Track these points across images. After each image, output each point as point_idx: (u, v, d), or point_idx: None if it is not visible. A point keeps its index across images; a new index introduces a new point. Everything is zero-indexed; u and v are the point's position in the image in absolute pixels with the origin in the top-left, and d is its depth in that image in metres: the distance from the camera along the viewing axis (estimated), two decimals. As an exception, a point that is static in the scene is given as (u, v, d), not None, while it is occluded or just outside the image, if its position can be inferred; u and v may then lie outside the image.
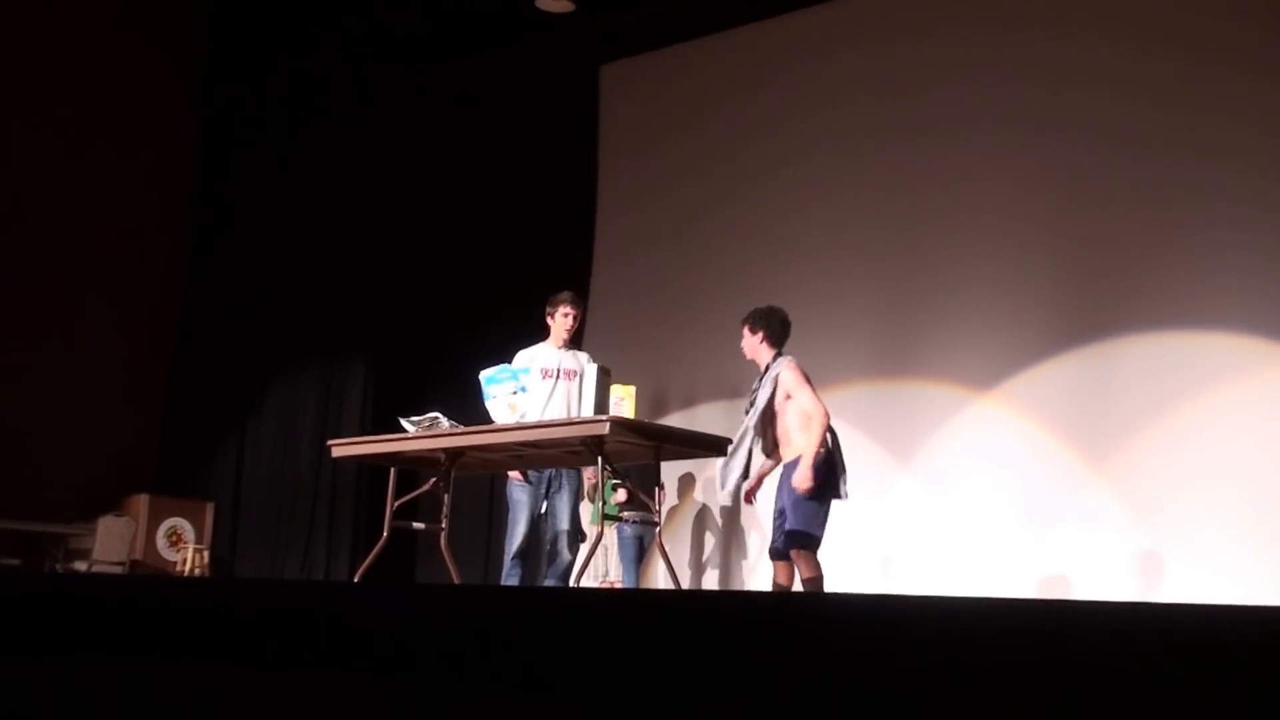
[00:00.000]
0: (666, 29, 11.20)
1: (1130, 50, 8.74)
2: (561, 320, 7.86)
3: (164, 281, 11.56)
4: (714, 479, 10.03)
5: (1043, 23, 9.18)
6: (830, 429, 6.87)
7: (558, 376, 7.71)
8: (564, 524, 7.71)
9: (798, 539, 6.69)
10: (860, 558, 8.98)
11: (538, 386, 7.64)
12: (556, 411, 7.54)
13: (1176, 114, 8.48)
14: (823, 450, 6.76)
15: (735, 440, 7.00)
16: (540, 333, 8.00)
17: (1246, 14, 8.37)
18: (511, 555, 7.68)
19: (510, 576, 7.69)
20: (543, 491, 7.76)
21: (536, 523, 7.75)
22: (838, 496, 6.81)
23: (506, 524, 7.86)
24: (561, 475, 7.77)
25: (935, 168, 9.49)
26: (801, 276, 9.58)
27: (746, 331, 7.17)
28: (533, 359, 7.80)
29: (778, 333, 7.11)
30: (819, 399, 6.83)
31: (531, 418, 7.20)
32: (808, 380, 6.92)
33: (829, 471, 6.78)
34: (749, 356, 7.22)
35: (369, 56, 12.01)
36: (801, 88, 10.40)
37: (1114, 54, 8.80)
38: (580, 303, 8.01)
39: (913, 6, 9.89)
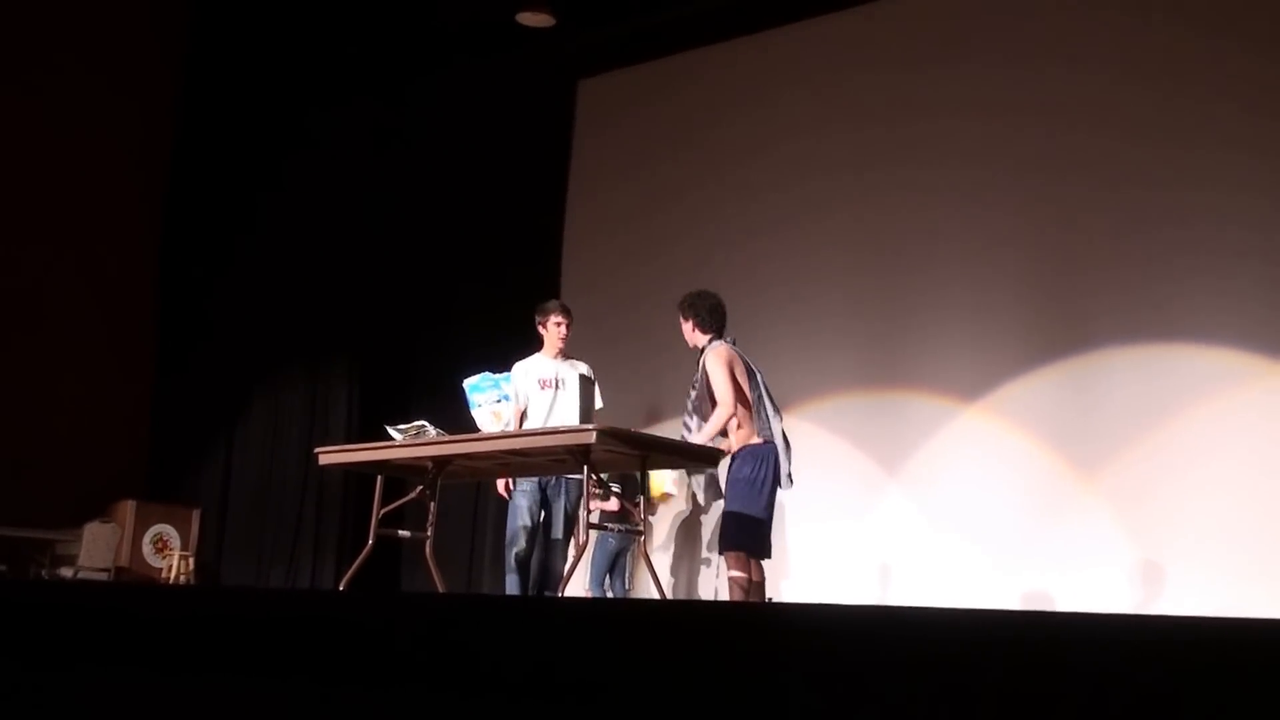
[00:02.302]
0: (646, 45, 11.24)
1: (1106, 77, 8.82)
2: (554, 330, 7.85)
3: (151, 288, 11.57)
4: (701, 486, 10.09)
5: (1018, 52, 9.25)
6: (774, 414, 6.98)
7: (557, 387, 7.69)
8: (557, 533, 7.71)
9: (726, 541, 6.84)
10: (849, 568, 9.02)
11: (537, 397, 7.64)
12: (560, 421, 7.49)
13: (1151, 138, 8.59)
14: (762, 440, 6.86)
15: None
16: (526, 341, 8.01)
17: (1219, 38, 8.45)
18: (510, 562, 7.67)
19: (510, 586, 7.67)
20: (542, 499, 7.75)
21: (535, 529, 7.73)
22: (780, 485, 6.91)
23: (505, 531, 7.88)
24: (562, 484, 7.73)
25: (917, 189, 9.54)
26: (780, 295, 9.60)
27: (681, 319, 7.26)
28: (529, 371, 7.79)
29: (705, 318, 7.16)
30: (733, 388, 6.86)
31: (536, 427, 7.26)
32: (728, 366, 6.93)
33: (771, 462, 6.85)
34: (689, 344, 7.28)
35: (348, 68, 12.04)
36: (780, 110, 10.44)
37: (1090, 82, 8.88)
38: (569, 312, 8.01)
39: (893, 34, 9.92)
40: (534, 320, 8.04)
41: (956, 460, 9.02)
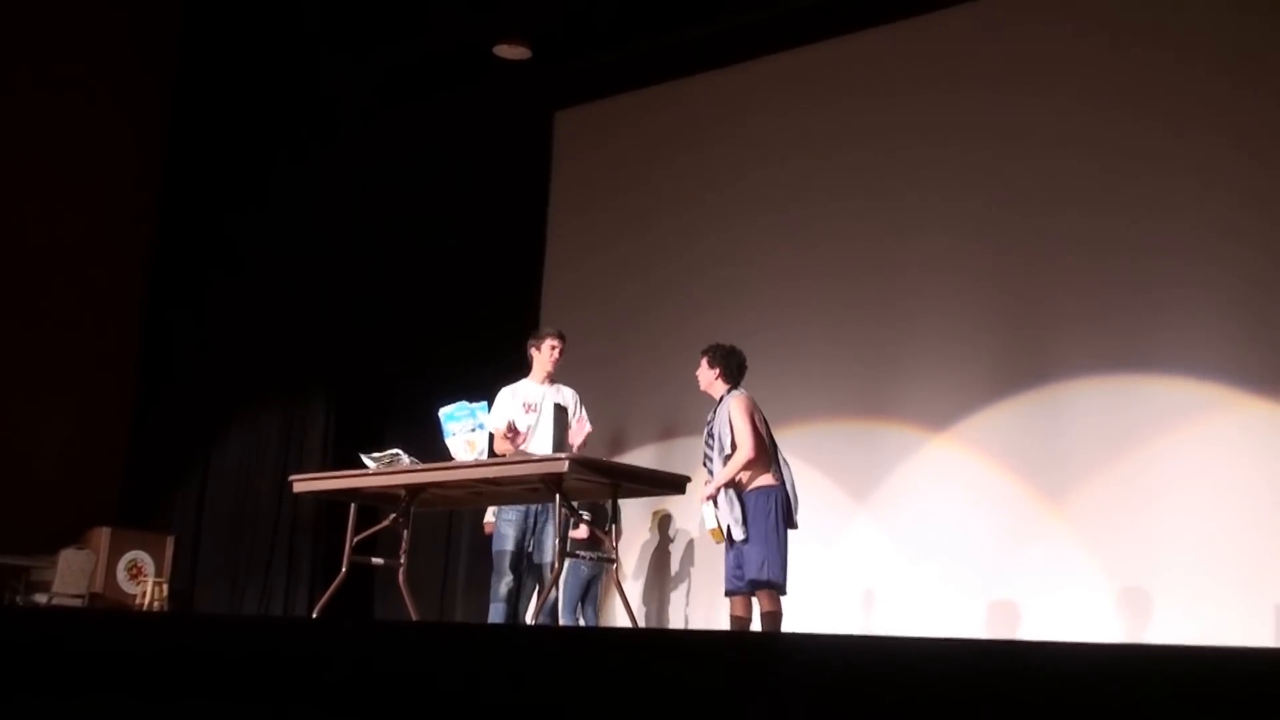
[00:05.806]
0: (622, 77, 11.35)
1: (1082, 108, 8.90)
2: (549, 353, 7.86)
3: (129, 315, 11.56)
4: (687, 515, 10.09)
5: (994, 82, 9.35)
6: (784, 461, 7.18)
7: (540, 411, 7.68)
8: (549, 556, 7.66)
9: (759, 584, 6.86)
10: (817, 596, 9.02)
11: (522, 420, 7.64)
12: (542, 445, 7.44)
13: (1123, 170, 8.68)
14: (776, 483, 7.01)
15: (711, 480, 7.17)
16: (505, 369, 8.01)
17: (1197, 71, 8.54)
18: (499, 592, 7.63)
19: (495, 615, 7.63)
20: (529, 526, 7.74)
21: (522, 557, 7.71)
22: (793, 527, 7.06)
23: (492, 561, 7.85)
24: (546, 510, 7.70)
25: (888, 219, 9.61)
26: (755, 324, 9.62)
27: (705, 364, 7.43)
28: (515, 394, 7.81)
29: (734, 373, 7.39)
30: (754, 436, 7.04)
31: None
32: (750, 415, 7.11)
33: (783, 504, 6.99)
34: (703, 388, 7.47)
35: (328, 101, 12.09)
36: (753, 140, 10.52)
37: (1065, 113, 8.97)
38: (564, 338, 8.03)
39: (867, 65, 10.01)
40: (519, 347, 8.09)
41: (925, 488, 9.06)
